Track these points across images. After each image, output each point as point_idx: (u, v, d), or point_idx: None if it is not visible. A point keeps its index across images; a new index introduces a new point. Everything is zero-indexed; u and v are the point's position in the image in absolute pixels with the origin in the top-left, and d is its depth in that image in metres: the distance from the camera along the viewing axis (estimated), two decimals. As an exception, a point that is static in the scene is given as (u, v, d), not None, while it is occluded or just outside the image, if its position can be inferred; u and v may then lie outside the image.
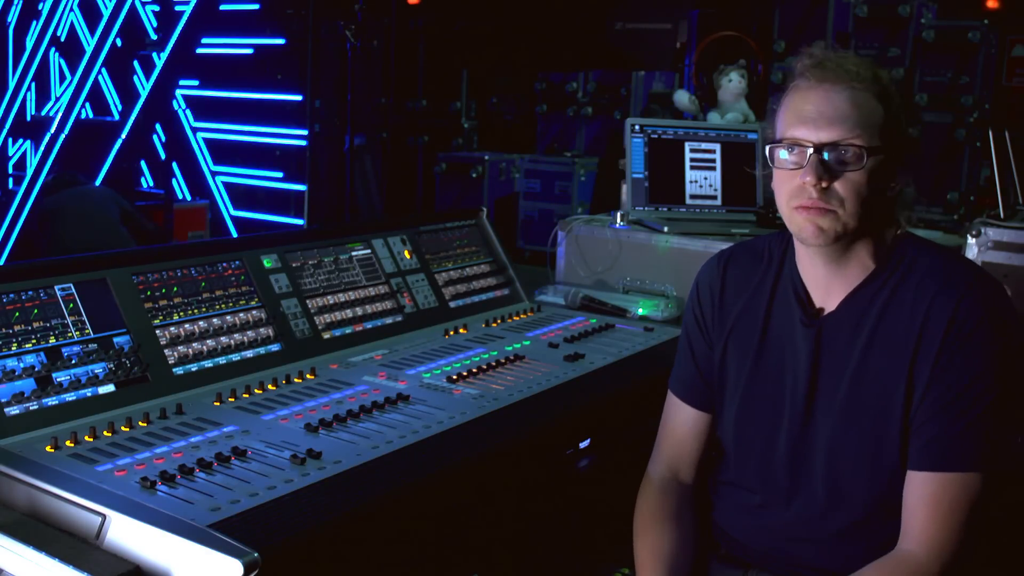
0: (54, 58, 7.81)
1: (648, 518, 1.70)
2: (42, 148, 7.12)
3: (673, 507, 1.71)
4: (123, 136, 7.14)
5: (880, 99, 1.50)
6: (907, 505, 1.48)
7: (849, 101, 1.49)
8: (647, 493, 1.74)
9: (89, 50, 7.40)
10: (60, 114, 7.18)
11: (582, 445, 2.13)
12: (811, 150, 1.48)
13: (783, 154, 1.53)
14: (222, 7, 7.31)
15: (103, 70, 7.43)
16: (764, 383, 1.64)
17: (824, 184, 1.48)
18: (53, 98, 7.81)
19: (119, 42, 7.30)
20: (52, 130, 7.09)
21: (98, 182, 7.02)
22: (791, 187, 1.51)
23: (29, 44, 7.82)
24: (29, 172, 7.17)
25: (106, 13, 7.27)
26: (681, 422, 1.77)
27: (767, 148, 1.56)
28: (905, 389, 1.48)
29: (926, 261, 1.54)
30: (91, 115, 7.68)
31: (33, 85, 7.92)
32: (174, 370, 1.89)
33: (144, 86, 7.27)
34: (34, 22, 7.81)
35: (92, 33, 7.49)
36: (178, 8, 7.10)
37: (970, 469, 1.44)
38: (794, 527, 1.61)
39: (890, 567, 1.47)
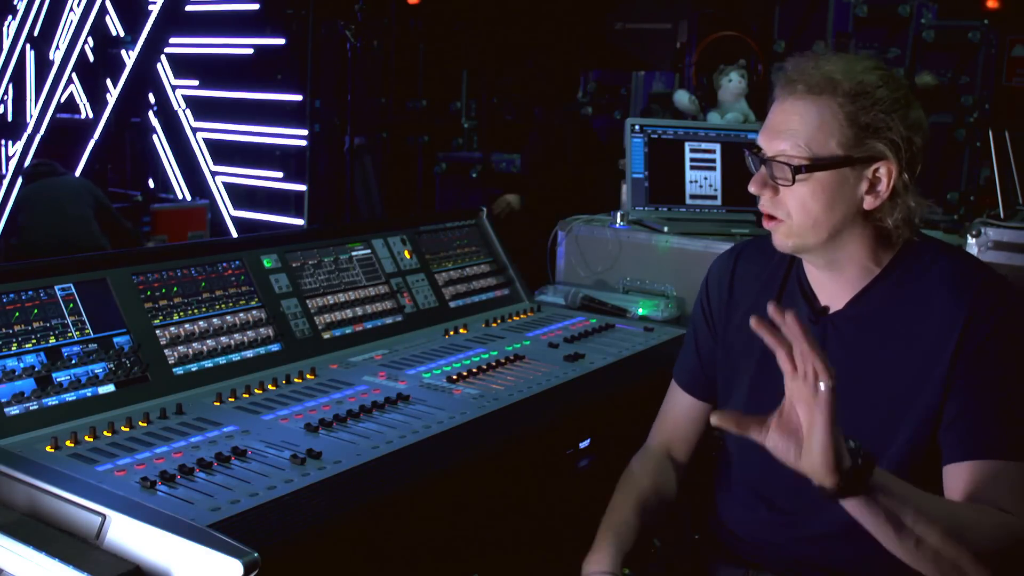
0: (31, 56, 7.81)
1: (633, 473, 1.75)
2: (20, 148, 7.12)
3: (660, 471, 1.75)
4: (95, 137, 7.11)
5: (843, 109, 1.46)
6: (966, 491, 1.43)
7: (798, 114, 1.49)
8: (638, 456, 1.80)
9: (61, 50, 7.40)
10: (35, 114, 7.18)
11: (582, 445, 2.13)
12: (759, 160, 1.52)
13: (751, 160, 1.57)
14: (222, 7, 7.31)
15: (74, 70, 7.43)
16: (769, 379, 1.63)
17: (768, 194, 1.52)
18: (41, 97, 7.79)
19: (90, 41, 7.29)
20: (29, 130, 7.08)
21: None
22: None
23: (6, 42, 7.80)
24: (9, 172, 7.15)
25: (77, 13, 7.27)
26: (680, 410, 1.81)
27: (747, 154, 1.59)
28: (919, 391, 1.47)
29: (938, 263, 1.53)
30: (90, 115, 7.68)
31: (10, 85, 7.90)
32: (174, 370, 1.89)
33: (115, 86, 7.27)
34: (10, 17, 7.80)
35: (63, 31, 7.49)
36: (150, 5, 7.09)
37: (1014, 458, 1.42)
38: (798, 525, 1.61)
39: (991, 514, 1.41)
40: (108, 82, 7.40)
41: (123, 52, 7.21)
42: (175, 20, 7.03)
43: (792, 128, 1.49)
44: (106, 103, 7.09)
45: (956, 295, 1.47)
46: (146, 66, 7.13)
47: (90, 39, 7.31)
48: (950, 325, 1.46)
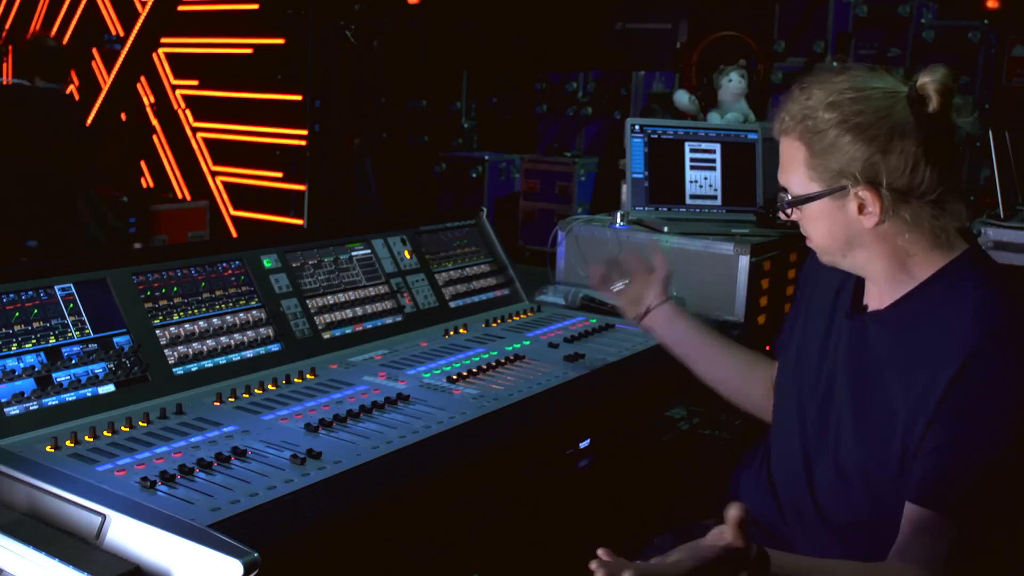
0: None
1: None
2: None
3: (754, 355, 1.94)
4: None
5: (805, 144, 1.49)
6: (904, 528, 1.44)
7: (783, 153, 1.56)
8: None
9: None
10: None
11: (582, 445, 2.13)
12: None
13: None
14: (222, 7, 7.31)
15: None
16: (807, 364, 1.69)
17: (795, 218, 1.59)
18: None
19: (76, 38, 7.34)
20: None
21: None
22: None
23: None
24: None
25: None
26: (767, 361, 1.91)
27: None
28: (907, 413, 1.45)
29: (970, 291, 1.46)
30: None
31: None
32: (174, 370, 1.89)
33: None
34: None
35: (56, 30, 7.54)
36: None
37: (967, 524, 1.38)
38: (796, 515, 1.63)
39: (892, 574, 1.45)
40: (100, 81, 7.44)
41: (115, 51, 7.24)
42: (164, 20, 7.02)
43: (782, 166, 1.57)
44: (93, 102, 7.10)
45: (971, 330, 1.41)
46: (133, 66, 7.12)
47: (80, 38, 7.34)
48: (952, 361, 1.40)
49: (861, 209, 1.47)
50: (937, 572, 1.38)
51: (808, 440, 1.63)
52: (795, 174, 1.53)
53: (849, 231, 1.50)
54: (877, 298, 1.58)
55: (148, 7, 7.11)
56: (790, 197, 1.55)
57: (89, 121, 7.21)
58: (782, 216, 1.59)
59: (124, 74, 7.44)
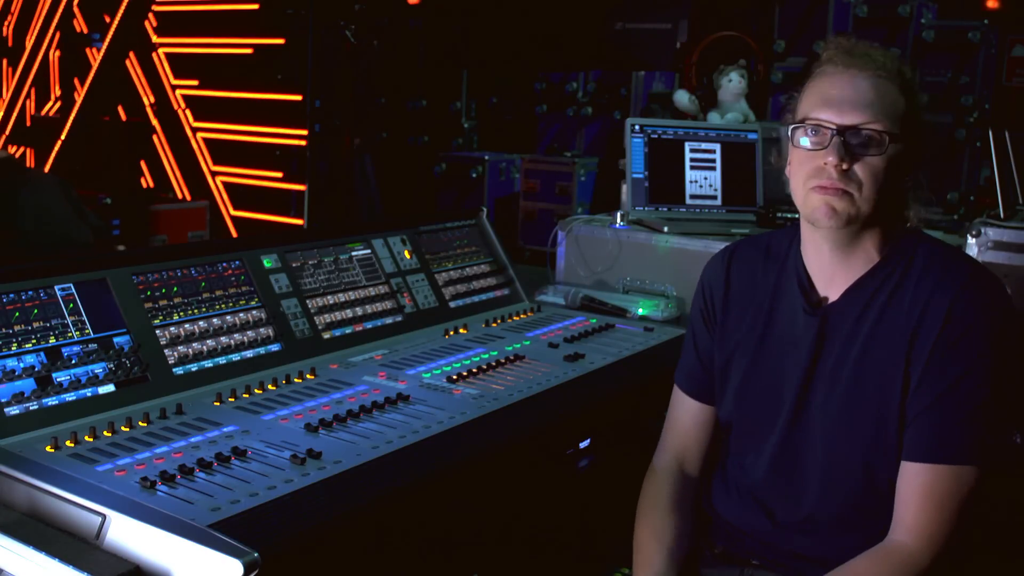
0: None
1: (651, 504, 1.73)
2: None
3: (676, 495, 1.73)
4: (63, 136, 7.10)
5: (903, 91, 1.53)
6: (900, 495, 1.49)
7: (874, 88, 1.52)
8: (651, 481, 1.77)
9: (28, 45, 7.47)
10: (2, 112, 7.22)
11: (582, 445, 2.13)
12: (834, 131, 1.50)
13: (805, 136, 1.54)
14: (222, 7, 7.32)
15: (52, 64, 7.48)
16: (764, 372, 1.66)
17: (845, 166, 1.50)
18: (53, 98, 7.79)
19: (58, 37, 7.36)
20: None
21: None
22: (811, 168, 1.53)
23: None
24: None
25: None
26: (685, 414, 1.80)
27: (789, 129, 1.57)
28: (901, 383, 1.50)
29: (929, 256, 1.56)
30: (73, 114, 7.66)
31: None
32: (174, 370, 1.89)
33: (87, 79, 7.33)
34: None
35: (33, 29, 7.56)
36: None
37: (964, 462, 1.46)
38: (789, 516, 1.62)
39: (880, 557, 1.48)
40: (77, 80, 7.44)
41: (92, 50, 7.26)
42: (141, 18, 7.02)
43: (871, 101, 1.51)
44: (74, 101, 7.10)
45: (941, 291, 1.50)
46: (113, 64, 7.10)
47: (58, 37, 7.35)
48: (932, 319, 1.49)
49: (909, 169, 1.55)
50: (936, 533, 1.44)
51: (789, 443, 1.62)
52: (892, 113, 1.52)
53: (896, 186, 1.54)
54: (834, 281, 1.60)
55: (124, 4, 7.11)
56: (890, 133, 1.50)
57: (70, 120, 7.18)
58: (872, 151, 1.50)
59: (104, 72, 7.43)
